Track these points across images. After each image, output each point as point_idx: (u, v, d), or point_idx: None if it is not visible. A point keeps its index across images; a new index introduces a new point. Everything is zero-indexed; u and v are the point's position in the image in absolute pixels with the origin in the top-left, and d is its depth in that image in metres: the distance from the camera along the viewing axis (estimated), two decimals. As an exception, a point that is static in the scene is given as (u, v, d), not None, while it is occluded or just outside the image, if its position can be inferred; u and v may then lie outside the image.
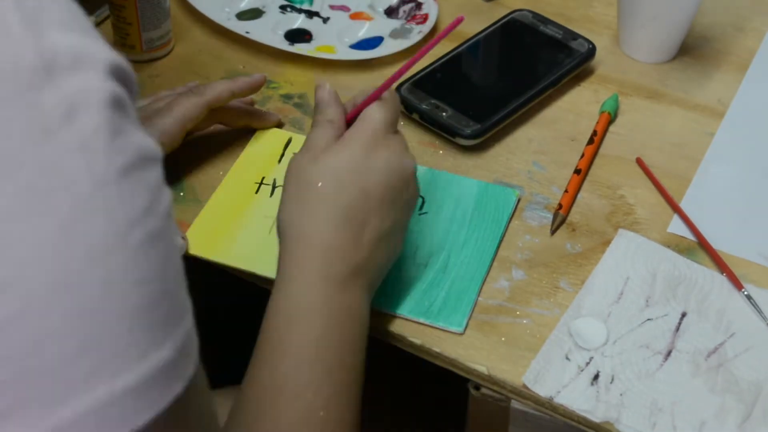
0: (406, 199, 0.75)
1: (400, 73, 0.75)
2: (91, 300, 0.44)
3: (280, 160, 0.90)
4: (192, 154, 0.89)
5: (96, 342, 0.44)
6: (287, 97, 0.96)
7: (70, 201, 0.44)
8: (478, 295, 0.80)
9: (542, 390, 0.74)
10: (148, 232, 0.46)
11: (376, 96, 0.76)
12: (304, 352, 0.67)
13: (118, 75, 0.46)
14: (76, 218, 0.44)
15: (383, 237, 0.73)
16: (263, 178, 0.88)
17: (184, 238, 0.81)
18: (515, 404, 0.75)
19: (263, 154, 0.90)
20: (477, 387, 0.76)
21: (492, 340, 0.77)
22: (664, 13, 0.97)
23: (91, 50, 0.45)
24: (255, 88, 0.90)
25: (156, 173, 0.47)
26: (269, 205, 0.86)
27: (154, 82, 0.98)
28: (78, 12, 0.47)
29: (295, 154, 0.75)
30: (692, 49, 1.02)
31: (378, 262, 0.73)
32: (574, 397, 0.73)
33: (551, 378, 0.74)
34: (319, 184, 0.71)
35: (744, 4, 1.08)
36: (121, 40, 0.98)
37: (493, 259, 0.82)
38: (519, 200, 0.87)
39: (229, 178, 0.88)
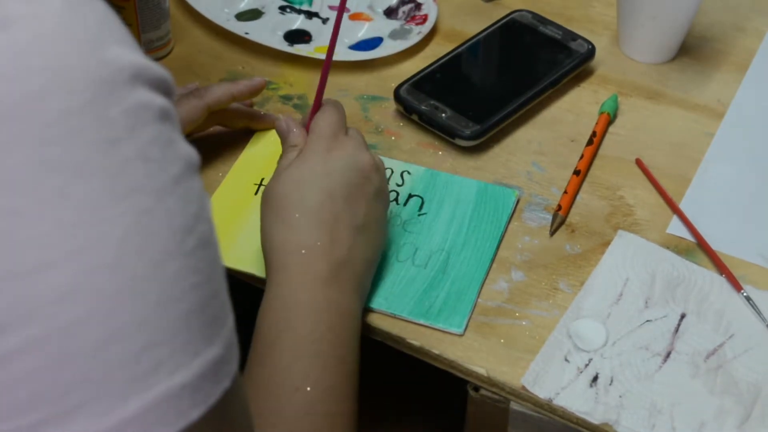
0: (371, 191, 0.78)
1: (324, 79, 0.80)
2: (153, 304, 0.46)
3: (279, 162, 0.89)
4: (191, 155, 0.89)
5: (156, 342, 0.46)
6: (286, 98, 0.96)
7: (135, 209, 0.46)
8: (478, 296, 0.80)
9: (541, 391, 0.74)
10: (200, 237, 0.48)
11: (316, 106, 0.81)
12: (299, 348, 0.70)
13: (163, 88, 0.48)
14: (139, 226, 0.46)
15: (359, 231, 0.76)
16: (262, 179, 0.88)
17: None
18: (514, 406, 0.75)
19: (262, 156, 0.90)
20: (476, 388, 0.76)
21: (491, 342, 0.77)
22: (664, 13, 0.97)
23: (143, 66, 0.47)
24: (255, 91, 0.91)
25: (199, 179, 0.50)
26: None
27: (153, 83, 0.97)
28: (125, 29, 0.49)
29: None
30: (692, 50, 1.02)
31: (360, 256, 0.76)
32: (573, 398, 0.73)
33: (550, 379, 0.74)
34: (284, 196, 0.76)
35: (744, 4, 1.08)
36: (120, 41, 0.98)
37: (492, 260, 0.82)
38: (518, 201, 0.87)
39: (229, 180, 0.88)
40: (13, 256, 0.44)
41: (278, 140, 0.91)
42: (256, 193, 0.87)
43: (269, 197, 0.77)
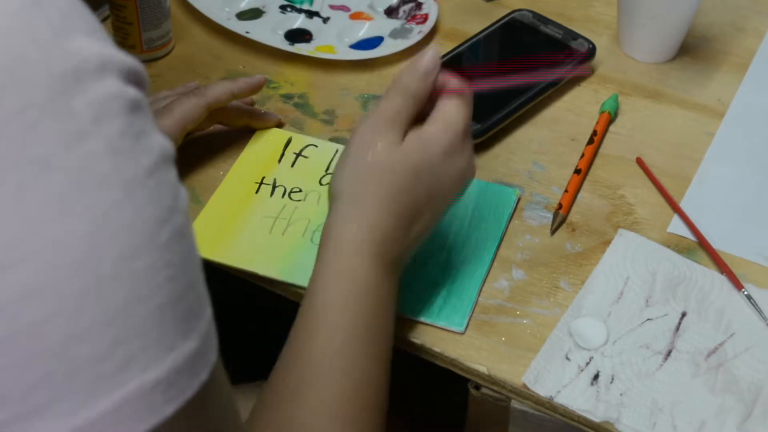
0: (454, 201, 0.76)
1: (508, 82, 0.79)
2: (123, 299, 0.45)
3: (280, 160, 0.90)
4: (192, 154, 0.89)
5: (126, 339, 0.45)
6: (287, 97, 0.96)
7: (102, 203, 0.45)
8: (479, 295, 0.80)
9: (542, 390, 0.74)
10: (174, 228, 0.47)
11: (460, 90, 0.74)
12: (355, 332, 0.68)
13: (134, 78, 0.47)
14: (108, 220, 0.45)
15: (425, 232, 0.75)
16: (263, 178, 0.88)
17: None
18: (515, 404, 0.75)
19: (263, 154, 0.90)
20: (477, 387, 0.76)
21: (492, 340, 0.77)
22: (664, 12, 0.97)
23: (112, 56, 0.46)
24: (255, 89, 0.91)
25: (174, 171, 0.49)
26: (269, 205, 0.86)
27: (154, 82, 0.98)
28: (95, 19, 0.48)
29: (367, 119, 0.73)
30: (692, 49, 1.02)
31: (412, 252, 0.75)
32: (574, 396, 0.73)
33: (551, 378, 0.74)
34: (397, 174, 0.72)
35: (744, 4, 1.08)
36: (121, 40, 0.98)
37: (493, 259, 0.82)
38: (519, 200, 0.87)
39: (230, 178, 0.88)
40: None
41: (279, 140, 0.91)
42: (257, 192, 0.87)
43: (377, 157, 0.72)
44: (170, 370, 0.46)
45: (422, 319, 0.78)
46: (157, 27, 0.98)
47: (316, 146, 0.91)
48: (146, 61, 0.99)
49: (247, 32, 1.01)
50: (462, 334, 0.77)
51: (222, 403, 0.52)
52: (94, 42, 0.46)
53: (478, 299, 0.80)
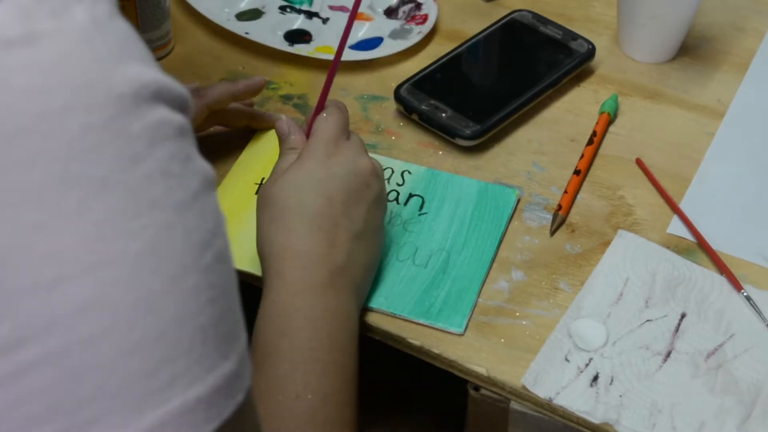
0: (370, 197, 0.77)
1: (329, 81, 0.80)
2: (170, 318, 0.46)
3: None
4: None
5: (173, 357, 0.46)
6: (287, 98, 0.96)
7: (155, 224, 0.46)
8: (478, 296, 0.80)
9: (542, 391, 0.74)
10: (216, 252, 0.49)
11: (319, 108, 0.80)
12: (298, 355, 0.70)
13: (181, 105, 0.49)
14: (159, 241, 0.46)
15: (358, 237, 0.76)
16: (263, 179, 0.88)
17: None
18: (515, 405, 0.75)
19: (262, 155, 0.90)
20: (476, 388, 0.76)
21: (491, 342, 0.77)
22: (664, 13, 0.97)
23: (164, 83, 0.48)
24: (255, 90, 0.91)
25: (215, 196, 0.51)
26: None
27: (153, 83, 0.98)
28: (146, 47, 0.50)
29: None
30: (692, 49, 1.02)
31: (359, 261, 0.76)
32: (574, 398, 0.73)
33: (551, 379, 0.74)
34: (283, 199, 0.75)
35: (744, 4, 1.08)
36: (120, 41, 0.98)
37: (493, 259, 0.82)
38: (519, 200, 0.87)
39: (229, 180, 0.88)
40: (33, 269, 0.44)
41: (277, 140, 0.91)
42: (256, 193, 0.87)
43: (266, 200, 0.76)
44: (211, 389, 0.47)
45: (421, 320, 0.78)
46: (156, 27, 0.98)
47: None
48: (146, 62, 0.99)
49: (246, 33, 1.01)
50: (462, 335, 0.77)
51: (254, 425, 0.53)
52: (148, 69, 0.48)
53: (477, 300, 0.80)
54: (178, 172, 0.47)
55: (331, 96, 0.96)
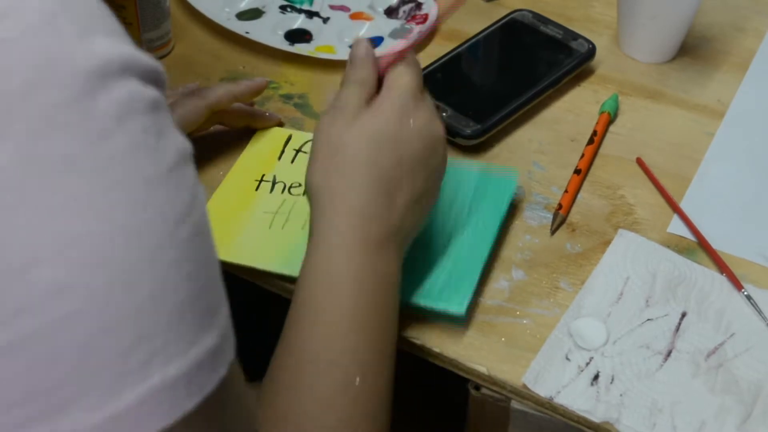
0: (435, 164, 0.75)
1: (421, 35, 0.78)
2: (147, 295, 0.46)
3: (280, 157, 0.90)
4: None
5: (150, 334, 0.46)
6: (287, 98, 0.97)
7: (125, 201, 0.46)
8: (481, 279, 0.79)
9: (542, 390, 0.74)
10: (193, 226, 0.48)
11: (393, 60, 0.76)
12: (339, 319, 0.67)
13: (154, 78, 0.48)
14: (131, 218, 0.46)
15: (415, 201, 0.73)
16: (263, 175, 0.88)
17: None
18: (515, 404, 0.75)
19: (264, 153, 0.90)
20: (477, 387, 0.76)
21: (492, 341, 0.77)
22: (664, 13, 0.97)
23: (134, 57, 0.47)
24: (256, 91, 0.91)
25: (193, 169, 0.50)
26: (269, 201, 0.86)
27: (154, 83, 0.98)
28: (116, 21, 0.49)
29: (323, 114, 0.74)
30: (692, 49, 1.02)
31: (410, 225, 0.74)
32: (574, 397, 0.73)
33: (551, 378, 0.74)
34: (355, 150, 0.71)
35: (744, 4, 1.08)
36: (121, 41, 0.98)
37: (495, 242, 0.82)
38: (517, 195, 0.86)
39: (230, 178, 0.88)
40: (3, 252, 0.43)
41: (279, 137, 0.91)
42: (256, 189, 0.87)
43: (334, 141, 0.72)
44: (192, 364, 0.47)
45: (422, 302, 0.77)
46: (156, 27, 0.98)
47: None
48: (146, 62, 0.99)
49: (247, 32, 1.01)
50: (462, 324, 0.77)
51: (238, 400, 0.53)
52: (116, 43, 0.47)
53: (480, 282, 0.79)
54: (151, 146, 0.47)
55: (328, 92, 0.96)
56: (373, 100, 0.74)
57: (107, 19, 0.48)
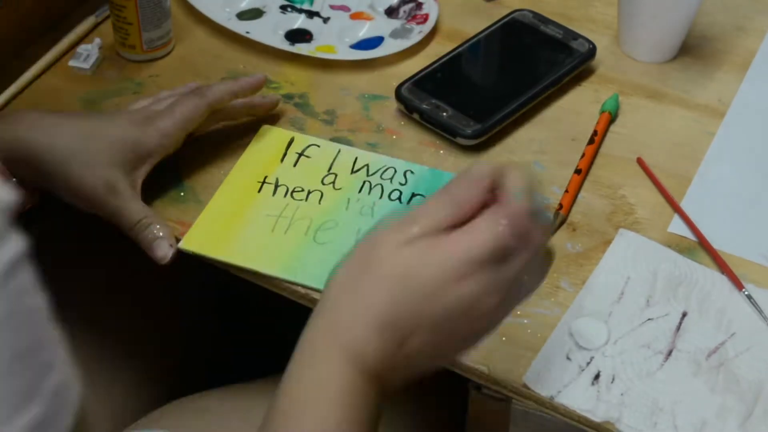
0: (461, 336, 0.63)
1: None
2: None
3: (282, 159, 0.90)
4: (193, 153, 0.89)
5: None
6: (288, 97, 0.96)
7: None
8: None
9: (543, 390, 0.74)
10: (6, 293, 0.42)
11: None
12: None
13: None
14: None
15: (417, 359, 0.62)
16: (266, 177, 0.88)
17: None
18: (516, 404, 0.75)
19: (266, 153, 0.90)
20: (478, 387, 0.76)
21: (492, 340, 0.77)
22: (665, 12, 0.97)
23: None
24: (256, 88, 0.91)
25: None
26: (272, 204, 0.86)
27: (154, 82, 0.98)
28: None
29: (396, 216, 0.63)
30: (693, 49, 1.02)
31: (399, 376, 0.63)
32: (575, 396, 0.73)
33: (552, 378, 0.74)
34: (383, 276, 0.61)
35: (744, 4, 1.08)
36: (121, 40, 0.98)
37: None
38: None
39: (232, 177, 0.88)
40: None
41: (281, 139, 0.91)
42: (259, 191, 0.87)
43: (378, 250, 0.61)
44: None
45: None
46: (157, 27, 0.98)
47: (318, 146, 0.91)
48: (146, 61, 0.99)
49: (247, 32, 1.01)
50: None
51: None
52: None
53: None
54: None
55: (331, 96, 0.97)
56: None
57: None
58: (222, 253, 0.82)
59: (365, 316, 0.61)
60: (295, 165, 0.89)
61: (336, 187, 0.88)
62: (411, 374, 0.63)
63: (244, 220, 0.84)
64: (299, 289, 0.81)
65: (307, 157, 0.90)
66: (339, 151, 0.90)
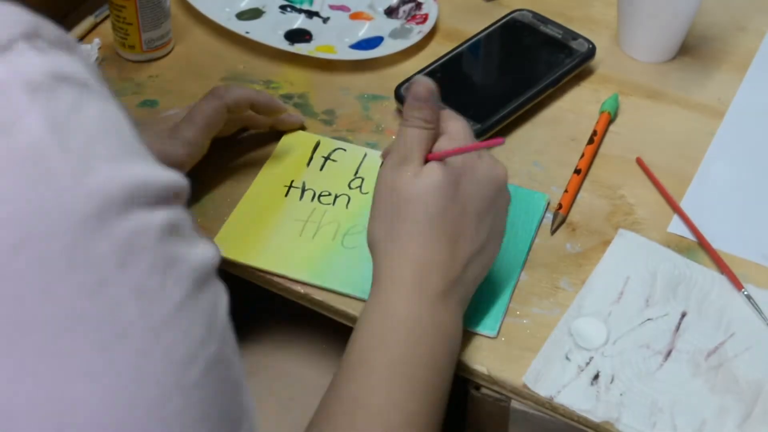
0: (498, 211, 0.74)
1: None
2: None
3: (308, 164, 0.89)
4: (219, 158, 0.89)
5: None
6: (287, 97, 0.96)
7: (126, 355, 0.42)
8: (511, 300, 0.79)
9: (542, 390, 0.74)
10: (206, 361, 0.44)
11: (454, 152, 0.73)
12: (392, 369, 0.66)
13: (168, 197, 0.44)
14: (133, 372, 0.42)
15: (478, 252, 0.72)
16: (292, 181, 0.88)
17: None
18: (515, 404, 0.75)
19: (292, 158, 0.90)
20: (477, 387, 0.76)
21: (492, 340, 0.77)
22: (664, 12, 0.97)
23: (139, 182, 0.43)
24: (273, 110, 0.89)
25: (213, 287, 0.46)
26: (299, 209, 0.85)
27: (154, 82, 0.98)
28: (129, 133, 0.44)
29: (387, 161, 0.73)
30: (692, 49, 1.02)
31: (473, 274, 0.73)
32: (575, 396, 0.73)
33: (551, 378, 0.74)
34: (421, 202, 0.70)
35: (744, 4, 1.08)
36: (121, 40, 0.98)
37: (524, 263, 0.82)
38: (548, 204, 0.86)
39: (258, 182, 0.88)
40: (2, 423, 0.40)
41: (307, 143, 0.91)
42: (286, 195, 0.87)
43: (399, 192, 0.70)
44: None
45: None
46: (157, 27, 0.98)
47: (345, 150, 0.90)
48: (146, 61, 0.99)
49: (247, 32, 1.01)
50: (494, 338, 0.77)
51: None
52: (121, 168, 0.42)
53: (509, 305, 0.79)
54: (157, 286, 0.42)
55: (331, 96, 0.97)
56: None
57: (111, 135, 0.43)
58: (250, 259, 0.81)
59: (420, 241, 0.69)
60: (321, 169, 0.89)
61: (363, 191, 0.87)
62: (470, 284, 0.72)
63: (272, 226, 0.84)
64: (299, 289, 0.80)
65: (334, 161, 0.90)
66: (365, 154, 0.90)
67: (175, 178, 0.45)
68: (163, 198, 0.44)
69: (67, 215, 0.41)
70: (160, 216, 0.43)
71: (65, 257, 0.41)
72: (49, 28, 0.43)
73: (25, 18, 0.42)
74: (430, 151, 0.73)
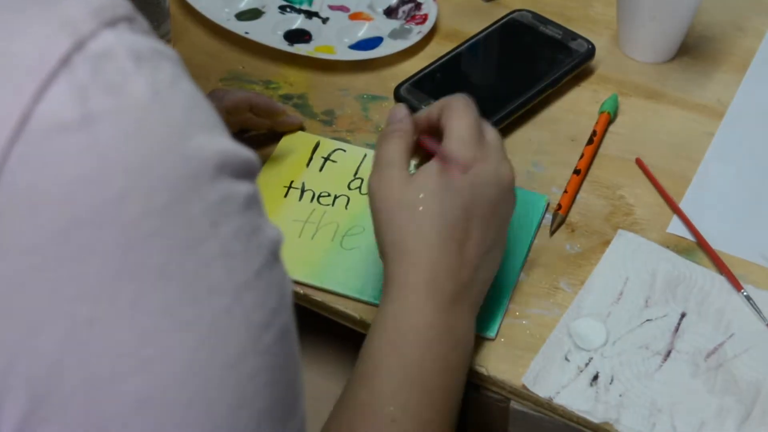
0: (504, 211, 0.74)
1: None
2: (227, 408, 0.45)
3: (308, 164, 0.89)
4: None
5: None
6: (287, 98, 0.96)
7: (212, 311, 0.44)
8: (509, 301, 0.79)
9: (542, 391, 0.74)
10: (278, 330, 0.47)
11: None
12: (404, 375, 0.66)
13: (248, 171, 0.47)
14: (216, 328, 0.45)
15: (486, 252, 0.72)
16: (292, 182, 0.88)
17: None
18: (514, 405, 0.75)
19: (291, 158, 0.90)
20: (477, 387, 0.76)
21: (491, 341, 0.77)
22: (664, 13, 0.97)
23: (228, 153, 0.46)
24: (273, 112, 0.90)
25: (282, 264, 0.48)
26: (298, 209, 0.86)
27: (153, 83, 0.98)
28: (214, 111, 0.47)
29: (372, 175, 0.73)
30: (692, 49, 1.02)
31: (483, 277, 0.73)
32: (574, 397, 0.73)
33: (551, 379, 0.74)
34: (420, 207, 0.70)
35: (744, 4, 1.08)
36: (120, 41, 0.98)
37: (523, 265, 0.82)
38: (548, 205, 0.86)
39: (258, 182, 0.87)
40: (86, 367, 0.42)
41: (307, 144, 0.91)
42: (285, 196, 0.87)
43: (394, 200, 0.71)
44: None
45: None
46: (156, 27, 0.98)
47: (344, 150, 0.91)
48: (146, 62, 0.99)
49: (246, 33, 1.01)
50: (493, 339, 0.77)
51: None
52: (212, 138, 0.45)
53: (508, 306, 0.79)
54: (242, 249, 0.45)
55: (330, 96, 0.97)
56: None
57: (203, 108, 0.46)
58: None
59: (427, 245, 0.69)
60: (321, 170, 0.89)
61: (363, 192, 0.87)
62: (481, 287, 0.72)
63: None
64: (298, 289, 0.81)
65: (333, 161, 0.90)
66: (365, 155, 0.90)
67: (253, 156, 0.48)
68: (245, 171, 0.47)
69: (167, 173, 0.43)
70: (244, 187, 0.46)
71: (164, 214, 0.43)
72: (141, 17, 0.46)
73: (125, 3, 0.45)
74: (411, 155, 0.74)
